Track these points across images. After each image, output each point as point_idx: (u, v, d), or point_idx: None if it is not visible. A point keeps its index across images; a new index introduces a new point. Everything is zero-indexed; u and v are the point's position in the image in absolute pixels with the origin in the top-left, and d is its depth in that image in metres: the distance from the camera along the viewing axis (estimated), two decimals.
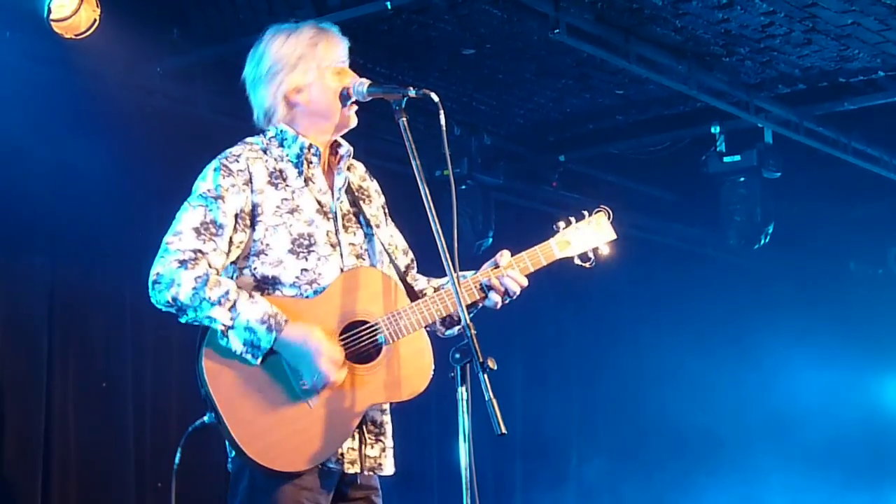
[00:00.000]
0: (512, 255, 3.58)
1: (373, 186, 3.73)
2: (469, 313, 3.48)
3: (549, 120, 8.42)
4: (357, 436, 3.42)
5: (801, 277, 11.26)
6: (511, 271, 3.52)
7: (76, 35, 5.66)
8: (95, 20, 5.66)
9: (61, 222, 6.24)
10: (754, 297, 10.88)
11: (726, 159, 8.23)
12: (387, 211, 3.75)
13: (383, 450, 3.50)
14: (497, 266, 3.53)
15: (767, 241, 8.90)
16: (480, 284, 3.51)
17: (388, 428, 3.54)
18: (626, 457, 9.76)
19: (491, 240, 8.19)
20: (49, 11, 5.51)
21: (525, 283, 3.54)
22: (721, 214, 8.64)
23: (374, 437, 3.47)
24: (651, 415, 9.99)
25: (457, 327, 3.58)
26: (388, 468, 3.52)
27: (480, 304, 3.55)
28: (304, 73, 3.50)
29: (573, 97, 7.95)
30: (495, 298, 3.52)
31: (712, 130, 8.28)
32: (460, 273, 3.51)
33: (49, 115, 6.04)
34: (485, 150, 8.19)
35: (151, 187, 6.41)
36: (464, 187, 8.14)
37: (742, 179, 8.41)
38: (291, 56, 3.50)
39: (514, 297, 3.54)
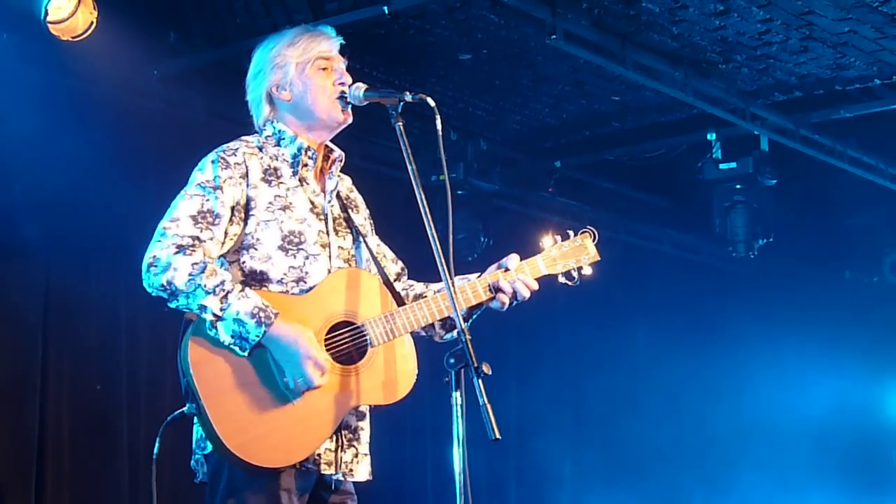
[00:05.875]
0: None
1: (360, 198, 3.78)
2: (474, 314, 3.59)
3: (545, 126, 8.42)
4: (335, 438, 3.43)
5: (797, 285, 11.27)
6: (522, 275, 3.57)
7: (73, 37, 5.64)
8: (92, 23, 5.64)
9: (56, 224, 6.23)
10: (749, 304, 10.89)
11: (722, 166, 8.24)
12: (372, 223, 3.78)
13: (355, 455, 3.50)
14: (507, 269, 3.58)
15: (763, 248, 8.92)
16: (489, 285, 3.55)
17: (363, 434, 3.54)
18: (620, 462, 9.76)
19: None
20: (46, 13, 5.50)
21: (535, 286, 3.60)
22: (716, 222, 8.64)
23: (347, 442, 3.48)
24: (646, 420, 9.98)
25: (455, 331, 3.59)
26: (361, 474, 3.53)
27: (486, 305, 3.59)
28: (283, 71, 3.55)
29: (570, 103, 7.95)
30: (503, 300, 3.56)
31: (708, 137, 8.29)
32: (464, 275, 3.59)
33: (45, 117, 6.02)
34: (481, 156, 8.19)
35: (147, 190, 6.40)
36: (460, 193, 8.14)
37: (738, 187, 8.43)
38: (274, 56, 3.58)
39: (522, 301, 3.59)
